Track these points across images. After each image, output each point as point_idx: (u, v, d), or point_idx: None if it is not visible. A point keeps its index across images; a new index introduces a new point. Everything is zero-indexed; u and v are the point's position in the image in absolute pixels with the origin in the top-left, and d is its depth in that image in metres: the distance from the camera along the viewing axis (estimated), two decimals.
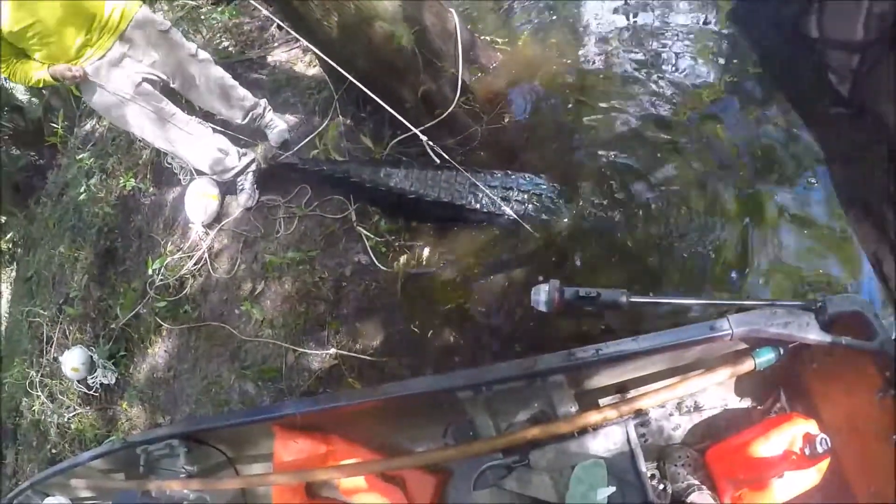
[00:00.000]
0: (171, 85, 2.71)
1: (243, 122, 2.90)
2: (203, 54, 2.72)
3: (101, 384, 3.35)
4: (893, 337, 1.52)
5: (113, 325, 3.35)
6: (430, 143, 2.06)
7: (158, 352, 3.21)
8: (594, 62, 2.80)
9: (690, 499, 1.72)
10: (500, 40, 2.76)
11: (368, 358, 2.29)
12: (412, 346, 2.33)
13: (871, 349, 1.47)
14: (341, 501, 1.95)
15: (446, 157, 2.15)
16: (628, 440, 1.58)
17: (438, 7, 2.56)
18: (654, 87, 2.71)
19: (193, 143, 2.77)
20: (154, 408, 3.16)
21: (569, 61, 2.81)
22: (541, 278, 1.39)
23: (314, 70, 3.17)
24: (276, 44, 3.55)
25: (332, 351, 2.38)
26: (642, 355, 1.50)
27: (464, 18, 2.67)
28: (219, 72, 2.78)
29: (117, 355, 3.36)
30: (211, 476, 2.01)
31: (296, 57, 3.39)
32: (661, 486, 1.75)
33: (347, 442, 1.88)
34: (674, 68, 2.79)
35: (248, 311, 2.69)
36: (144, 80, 2.59)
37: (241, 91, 2.86)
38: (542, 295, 1.37)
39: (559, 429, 1.52)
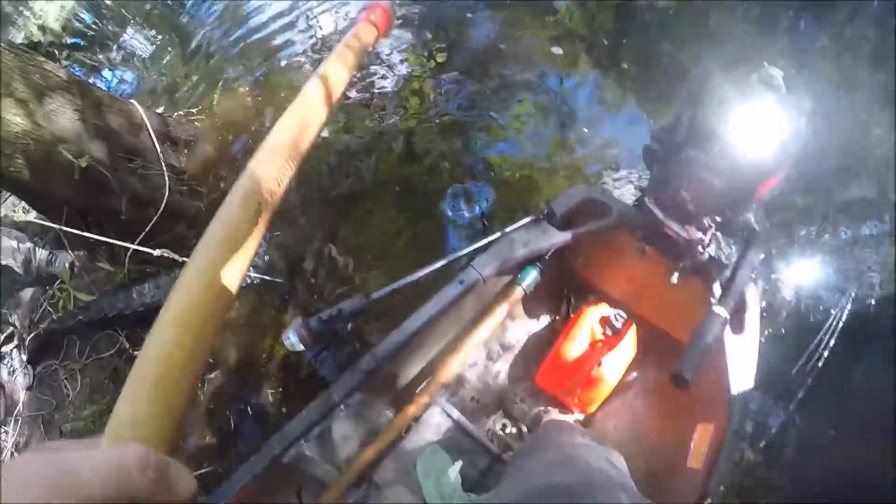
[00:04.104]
0: None
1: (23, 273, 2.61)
2: None
3: None
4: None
5: None
6: (140, 247, 1.98)
7: None
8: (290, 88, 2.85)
9: (542, 425, 1.79)
10: (193, 111, 2.69)
11: (211, 468, 2.17)
12: (244, 437, 2.25)
13: (611, 223, 1.60)
14: None
15: (173, 256, 2.09)
16: (449, 415, 1.62)
17: (118, 105, 2.44)
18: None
19: None
20: None
21: (261, 99, 2.82)
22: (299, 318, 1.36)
23: (33, 214, 2.90)
24: None
25: None
26: (420, 336, 1.52)
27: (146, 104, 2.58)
28: None
29: None
30: None
31: (13, 205, 3.08)
32: (514, 429, 1.81)
33: None
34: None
35: None
36: None
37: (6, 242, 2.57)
38: (291, 337, 1.35)
39: (386, 439, 1.52)
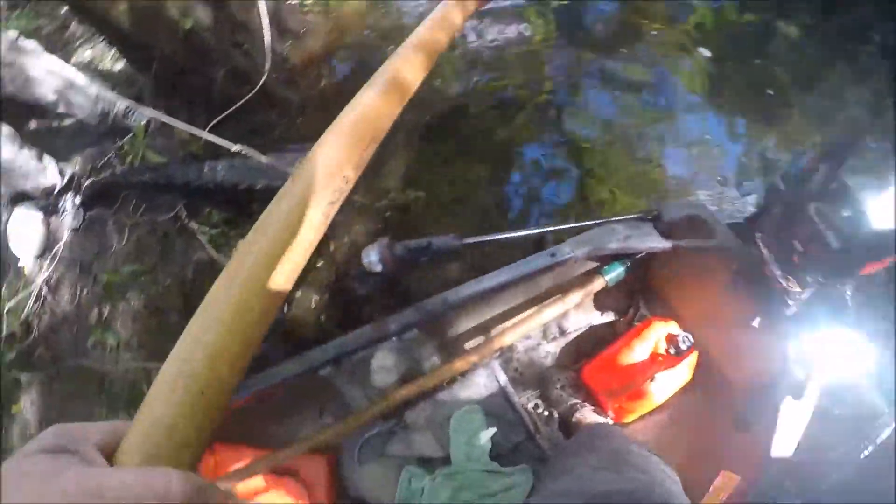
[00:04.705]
0: None
1: (94, 121, 2.60)
2: (29, 44, 2.38)
3: None
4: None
5: None
6: (215, 137, 1.91)
7: (25, 407, 2.88)
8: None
9: (575, 417, 1.75)
10: (308, 2, 2.62)
11: None
12: (269, 333, 2.22)
13: (712, 247, 1.53)
14: None
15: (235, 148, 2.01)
16: (497, 380, 1.58)
17: None
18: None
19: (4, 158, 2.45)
20: None
21: (384, 11, 2.74)
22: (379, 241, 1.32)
23: (121, 65, 2.88)
24: (77, 43, 3.20)
25: None
26: (494, 293, 1.48)
27: None
28: (53, 62, 2.45)
29: None
30: None
31: (101, 54, 3.06)
32: (546, 413, 1.77)
33: (231, 447, 1.77)
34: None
35: (100, 339, 2.45)
36: None
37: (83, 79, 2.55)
38: (372, 255, 1.30)
39: (427, 383, 1.48)
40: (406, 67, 0.76)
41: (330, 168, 0.60)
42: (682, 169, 2.47)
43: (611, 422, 1.78)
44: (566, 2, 2.87)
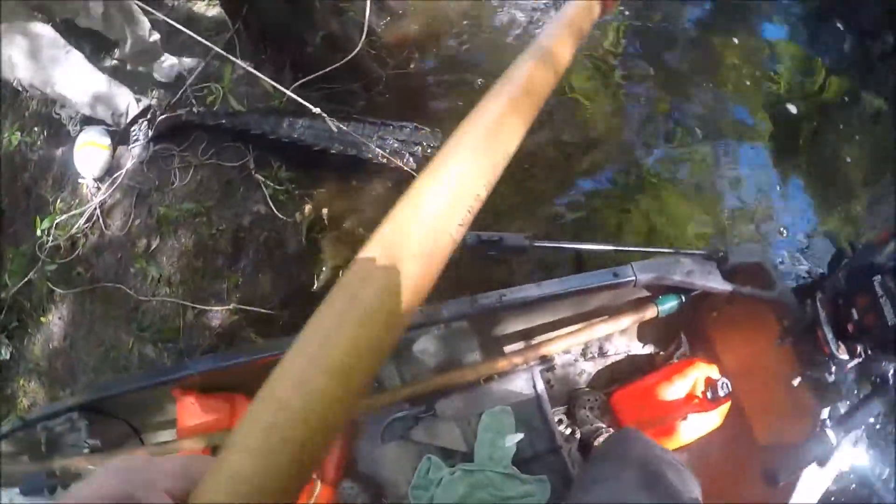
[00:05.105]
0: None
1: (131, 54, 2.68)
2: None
3: None
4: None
5: (3, 295, 3.05)
6: (301, 99, 1.92)
7: (52, 320, 2.95)
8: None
9: (597, 441, 1.74)
10: None
11: (267, 311, 2.18)
12: (312, 298, 2.22)
13: (770, 298, 1.52)
14: None
15: (318, 111, 2.03)
16: (534, 386, 1.58)
17: None
18: None
19: (78, 81, 2.51)
20: (53, 380, 2.90)
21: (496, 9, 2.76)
22: None
23: (214, 11, 2.93)
24: None
25: (231, 306, 2.26)
26: (546, 301, 1.48)
27: None
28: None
29: (10, 327, 3.03)
30: (115, 448, 1.86)
31: None
32: (569, 430, 1.77)
33: (251, 400, 1.79)
34: None
35: (143, 269, 2.50)
36: None
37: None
38: None
39: (465, 377, 1.49)
40: (558, 49, 0.68)
41: (462, 184, 0.51)
42: (747, 212, 2.45)
43: None
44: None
